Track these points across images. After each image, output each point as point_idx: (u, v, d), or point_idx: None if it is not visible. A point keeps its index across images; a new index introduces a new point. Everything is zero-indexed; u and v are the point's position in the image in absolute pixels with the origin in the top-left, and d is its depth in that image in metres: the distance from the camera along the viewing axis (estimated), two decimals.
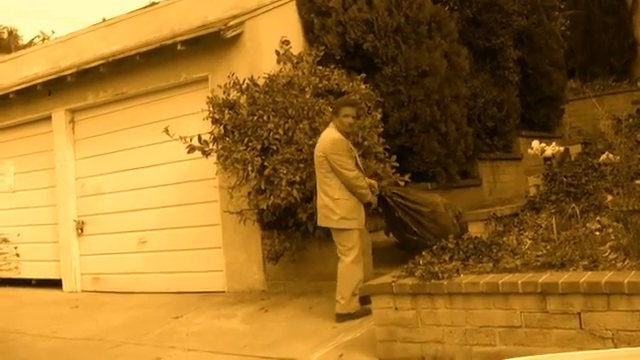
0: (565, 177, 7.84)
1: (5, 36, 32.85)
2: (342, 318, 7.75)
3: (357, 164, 7.94)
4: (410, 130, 9.94)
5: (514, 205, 8.32)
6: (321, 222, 8.01)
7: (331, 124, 8.00)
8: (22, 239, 13.49)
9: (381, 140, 9.09)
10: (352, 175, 7.75)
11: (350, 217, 7.78)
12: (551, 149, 8.47)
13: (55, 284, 12.61)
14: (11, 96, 12.78)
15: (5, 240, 13.60)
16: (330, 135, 7.86)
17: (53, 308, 11.14)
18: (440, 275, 6.16)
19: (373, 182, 8.15)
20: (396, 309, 6.34)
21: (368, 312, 7.24)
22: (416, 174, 9.75)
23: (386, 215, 8.48)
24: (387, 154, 9.08)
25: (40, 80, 12.25)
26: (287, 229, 9.02)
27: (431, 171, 10.24)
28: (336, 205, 7.75)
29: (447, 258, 6.55)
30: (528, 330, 5.70)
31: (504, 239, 6.92)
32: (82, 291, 12.27)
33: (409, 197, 8.30)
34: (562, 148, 8.70)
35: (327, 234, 8.06)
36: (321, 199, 7.90)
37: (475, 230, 7.93)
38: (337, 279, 7.83)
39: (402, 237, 8.42)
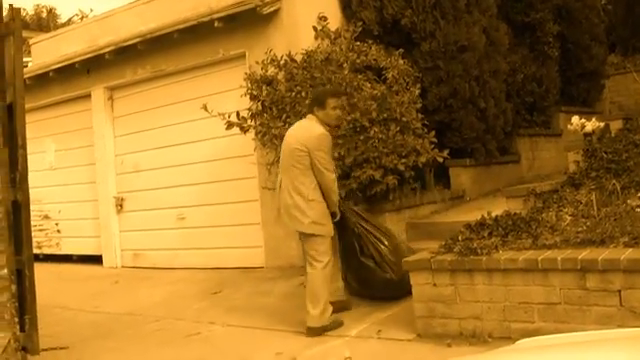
0: (605, 153, 7.75)
1: (44, 15, 33.11)
2: (315, 332, 7.02)
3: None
4: (449, 106, 9.87)
5: (553, 181, 8.25)
6: (286, 223, 7.43)
7: (310, 116, 7.36)
8: (63, 216, 13.67)
9: (419, 116, 9.04)
10: (332, 177, 7.18)
11: (321, 222, 7.13)
12: (591, 125, 8.38)
13: (95, 260, 12.77)
14: (51, 74, 12.90)
15: (46, 217, 13.78)
16: (316, 129, 7.17)
17: (94, 283, 11.29)
18: (479, 251, 6.15)
19: None
20: (434, 285, 6.34)
21: (341, 324, 7.10)
22: (455, 150, 9.70)
23: (339, 238, 7.63)
24: (425, 130, 9.03)
25: (79, 58, 12.35)
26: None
27: (470, 147, 10.17)
28: (308, 207, 7.08)
29: (486, 234, 6.52)
30: (567, 307, 5.68)
31: (543, 215, 6.87)
32: (122, 267, 12.42)
33: (370, 220, 7.68)
34: (602, 124, 8.60)
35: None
36: (291, 198, 7.16)
37: (514, 206, 7.87)
38: (307, 289, 7.25)
39: (355, 263, 7.58)
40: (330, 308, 7.14)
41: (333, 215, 7.28)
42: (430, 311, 6.38)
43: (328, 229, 7.20)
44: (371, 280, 7.49)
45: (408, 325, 6.64)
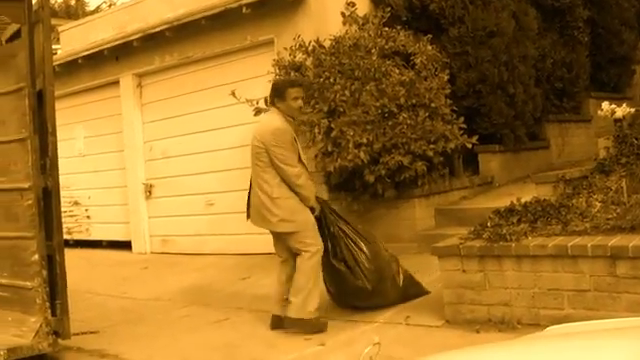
0: (636, 139, 7.66)
1: (73, 3, 33.27)
2: (291, 323, 6.86)
3: (300, 159, 6.97)
4: (477, 91, 9.80)
5: (583, 167, 8.18)
6: (257, 223, 7.15)
7: (273, 109, 7.12)
8: (92, 202, 13.77)
9: (448, 102, 9.02)
10: (294, 172, 6.81)
11: (290, 219, 6.84)
12: (622, 110, 8.29)
13: (125, 246, 12.86)
14: (80, 61, 12.97)
15: (76, 203, 13.88)
16: (272, 123, 6.95)
17: (123, 269, 11.37)
18: (508, 237, 6.13)
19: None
20: (464, 271, 6.33)
21: (323, 328, 6.80)
22: (483, 136, 9.64)
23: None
24: (454, 116, 9.01)
25: (107, 45, 12.41)
26: (354, 191, 9.02)
27: (499, 133, 10.10)
28: (274, 205, 6.84)
29: (515, 220, 6.49)
30: (597, 294, 5.65)
31: (573, 202, 6.81)
32: (151, 252, 12.49)
33: (350, 223, 7.18)
34: (633, 109, 8.50)
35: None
36: (257, 196, 6.99)
37: (543, 193, 7.83)
38: (293, 276, 6.98)
39: (327, 265, 7.05)
40: (315, 303, 6.85)
41: (312, 210, 6.94)
42: (459, 297, 6.37)
43: (300, 224, 6.88)
44: (341, 285, 7.10)
45: (436, 312, 6.64)
